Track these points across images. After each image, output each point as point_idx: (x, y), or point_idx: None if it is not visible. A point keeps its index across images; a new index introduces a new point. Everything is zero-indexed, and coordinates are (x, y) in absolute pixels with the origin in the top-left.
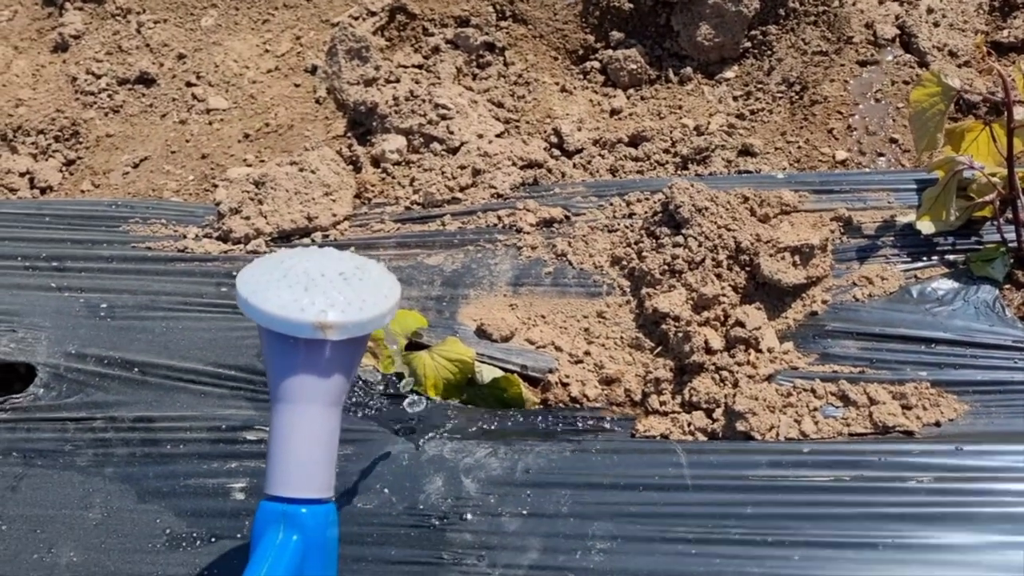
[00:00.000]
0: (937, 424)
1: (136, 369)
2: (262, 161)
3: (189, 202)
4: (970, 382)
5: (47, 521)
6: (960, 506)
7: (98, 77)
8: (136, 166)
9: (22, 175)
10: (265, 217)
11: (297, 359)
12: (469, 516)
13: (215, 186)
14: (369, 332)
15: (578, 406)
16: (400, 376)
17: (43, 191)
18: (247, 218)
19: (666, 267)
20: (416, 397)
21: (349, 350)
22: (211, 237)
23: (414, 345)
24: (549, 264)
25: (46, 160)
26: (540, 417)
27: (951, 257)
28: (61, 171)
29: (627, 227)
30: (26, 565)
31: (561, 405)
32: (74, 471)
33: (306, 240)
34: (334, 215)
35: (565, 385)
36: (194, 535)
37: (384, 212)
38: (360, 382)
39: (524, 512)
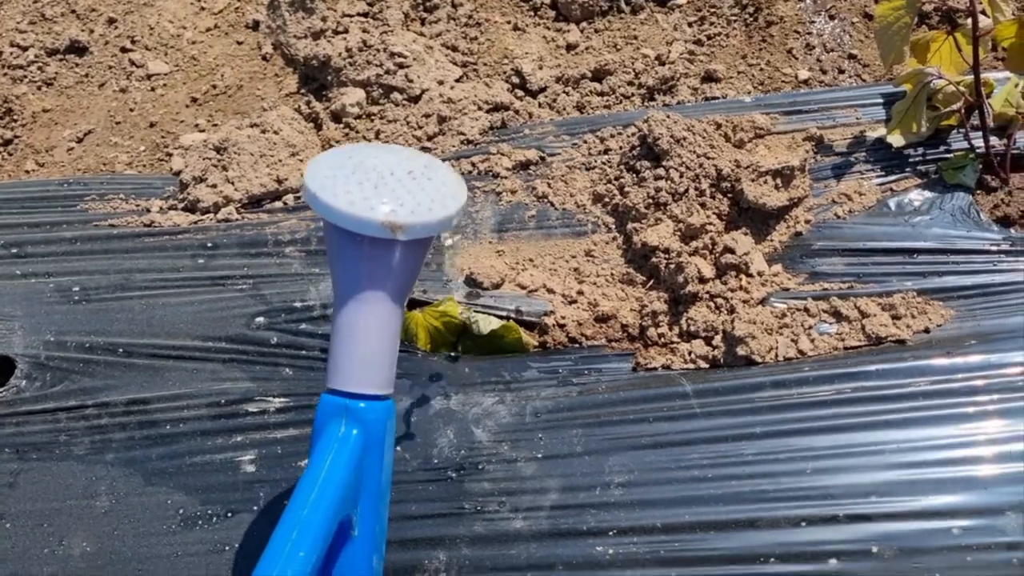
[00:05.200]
0: (927, 331)
1: (120, 351)
2: (215, 125)
3: (144, 173)
4: (953, 287)
5: (53, 514)
6: (957, 406)
7: (25, 49)
8: (80, 140)
9: None
10: (232, 183)
11: (363, 256)
12: (485, 465)
13: (169, 155)
14: (436, 233)
15: (577, 345)
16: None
17: None
18: (213, 186)
19: (650, 200)
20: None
21: (415, 250)
22: (177, 209)
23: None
24: (531, 207)
25: None
26: (542, 360)
27: (923, 167)
28: (0, 152)
29: (604, 163)
30: (39, 559)
31: (560, 346)
32: (73, 461)
33: (278, 204)
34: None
35: (562, 326)
36: (209, 512)
37: None
38: None
39: (539, 456)
